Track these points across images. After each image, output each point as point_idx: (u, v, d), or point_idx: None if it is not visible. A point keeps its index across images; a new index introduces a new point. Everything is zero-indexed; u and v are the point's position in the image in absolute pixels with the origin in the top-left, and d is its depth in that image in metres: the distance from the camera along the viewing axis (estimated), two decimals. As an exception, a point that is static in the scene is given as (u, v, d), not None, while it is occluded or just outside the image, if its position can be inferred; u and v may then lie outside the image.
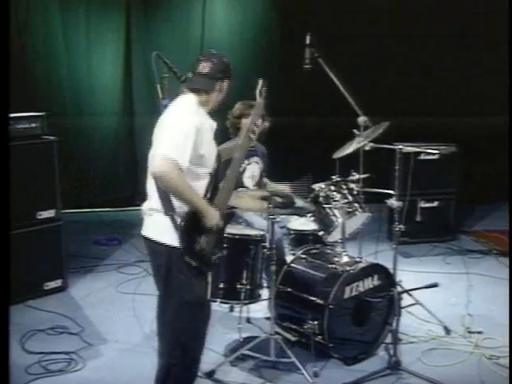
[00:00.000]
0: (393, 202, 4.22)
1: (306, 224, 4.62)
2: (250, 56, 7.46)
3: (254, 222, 4.50)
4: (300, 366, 3.84)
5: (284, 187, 4.66)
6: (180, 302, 3.16)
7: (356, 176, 4.44)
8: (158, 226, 3.14)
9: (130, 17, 7.50)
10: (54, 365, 4.00)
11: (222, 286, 3.98)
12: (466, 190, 6.83)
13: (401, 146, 4.58)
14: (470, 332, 4.45)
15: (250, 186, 4.69)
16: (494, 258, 6.14)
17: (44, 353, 4.11)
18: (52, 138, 5.11)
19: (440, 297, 4.98)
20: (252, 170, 4.75)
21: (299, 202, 4.14)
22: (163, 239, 3.12)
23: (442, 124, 7.15)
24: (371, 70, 7.45)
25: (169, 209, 3.08)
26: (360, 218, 4.48)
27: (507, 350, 4.06)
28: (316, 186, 4.43)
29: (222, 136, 3.92)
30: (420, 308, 4.65)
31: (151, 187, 3.17)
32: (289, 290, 4.19)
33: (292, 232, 4.61)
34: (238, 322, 4.26)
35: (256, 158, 4.77)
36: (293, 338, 4.22)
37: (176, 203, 3.08)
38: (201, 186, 3.15)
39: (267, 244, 3.98)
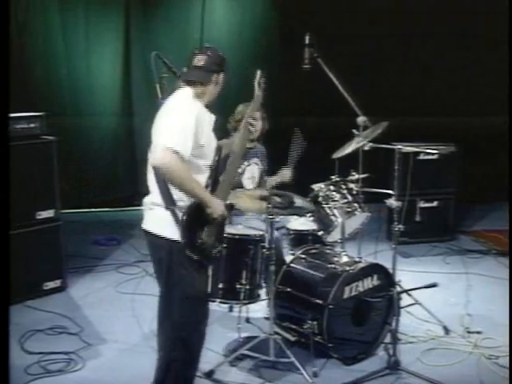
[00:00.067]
0: (392, 202, 4.22)
1: (305, 224, 4.62)
2: (249, 56, 7.45)
3: (253, 224, 4.50)
4: (299, 366, 3.84)
5: (282, 175, 4.64)
6: (181, 296, 3.17)
7: (355, 176, 4.45)
8: (159, 220, 3.15)
9: (129, 17, 7.51)
10: (54, 365, 3.99)
11: (221, 285, 3.98)
12: (466, 189, 6.83)
13: (400, 146, 4.59)
14: (469, 332, 4.46)
15: (250, 188, 4.68)
16: (493, 258, 6.15)
17: (43, 353, 4.11)
18: (51, 138, 5.11)
19: (439, 297, 4.98)
20: (252, 171, 4.74)
21: (299, 202, 4.14)
22: (164, 233, 3.13)
23: (442, 124, 7.16)
24: (371, 69, 7.45)
25: (170, 203, 3.09)
26: (359, 218, 4.48)
27: (506, 349, 4.06)
28: (315, 186, 4.43)
29: (223, 137, 3.91)
30: (419, 308, 4.65)
31: (152, 181, 3.18)
32: (288, 289, 4.19)
33: (291, 232, 4.60)
34: (237, 321, 4.26)
35: (256, 159, 4.77)
36: (292, 338, 4.21)
37: (177, 197, 3.09)
38: (201, 179, 3.16)
39: (266, 244, 3.98)
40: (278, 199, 4.00)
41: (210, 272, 3.24)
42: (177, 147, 2.97)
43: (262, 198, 4.03)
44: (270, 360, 3.95)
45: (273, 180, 4.69)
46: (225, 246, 3.82)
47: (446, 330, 4.48)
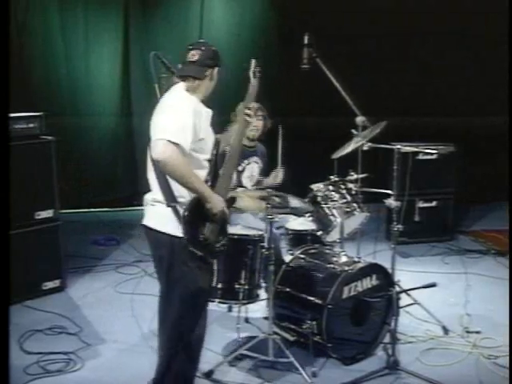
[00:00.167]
0: (391, 202, 4.22)
1: (304, 224, 4.62)
2: (248, 56, 7.35)
3: (253, 223, 4.50)
4: (298, 366, 3.84)
5: (275, 175, 4.64)
6: (182, 293, 3.17)
7: (354, 176, 4.45)
8: (161, 217, 3.15)
9: (128, 17, 7.51)
10: (53, 365, 3.99)
11: (220, 286, 3.99)
12: (465, 190, 6.84)
13: (399, 146, 4.59)
14: (468, 332, 4.46)
15: (249, 186, 4.69)
16: (493, 258, 6.15)
17: (42, 353, 4.11)
18: (50, 138, 5.11)
19: (438, 297, 4.98)
20: (251, 169, 4.75)
21: (294, 203, 4.14)
22: (166, 229, 3.13)
23: (441, 124, 7.15)
24: (371, 69, 7.45)
25: (170, 199, 3.09)
26: (358, 218, 4.48)
27: (505, 349, 4.07)
28: (314, 186, 4.43)
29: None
30: (418, 308, 4.66)
31: (152, 178, 3.18)
32: (287, 289, 4.19)
33: (290, 232, 4.60)
34: (236, 321, 4.25)
35: (256, 158, 4.78)
36: (291, 338, 4.22)
37: (178, 194, 3.09)
38: (201, 173, 3.16)
39: (265, 244, 3.98)
40: (277, 199, 4.00)
41: (215, 266, 3.23)
42: (177, 140, 2.97)
43: (262, 198, 4.03)
44: (269, 360, 3.95)
45: (266, 182, 4.70)
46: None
47: (445, 330, 4.48)
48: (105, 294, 5.24)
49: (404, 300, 4.46)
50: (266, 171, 4.83)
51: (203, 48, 3.26)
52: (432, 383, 3.79)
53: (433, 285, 4.64)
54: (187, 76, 3.22)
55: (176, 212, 3.08)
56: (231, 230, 4.01)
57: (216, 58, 3.29)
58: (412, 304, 4.63)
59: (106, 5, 7.38)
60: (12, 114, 4.80)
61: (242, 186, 4.63)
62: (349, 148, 4.45)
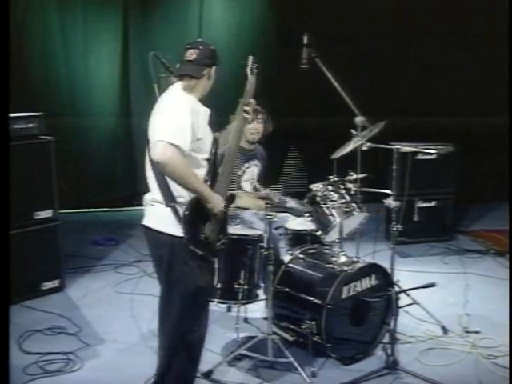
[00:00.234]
0: (390, 202, 4.22)
1: (303, 224, 4.62)
2: (247, 56, 7.43)
3: (252, 223, 4.50)
4: (298, 366, 3.84)
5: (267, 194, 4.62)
6: (182, 293, 3.17)
7: (353, 176, 4.44)
8: (161, 217, 3.15)
9: (127, 17, 7.51)
10: (52, 365, 3.99)
11: (219, 286, 3.98)
12: (464, 189, 6.83)
13: (398, 146, 4.60)
14: (467, 332, 4.46)
15: (249, 190, 4.67)
16: (492, 258, 6.15)
17: (41, 353, 4.11)
18: (49, 138, 5.10)
19: (437, 297, 4.99)
20: (251, 173, 4.73)
21: (294, 204, 4.13)
22: (166, 229, 3.13)
23: (441, 124, 7.15)
24: (371, 69, 7.44)
25: (170, 199, 3.09)
26: (358, 218, 4.48)
27: (504, 349, 4.07)
28: (314, 186, 4.43)
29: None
30: (417, 308, 4.66)
31: (151, 179, 3.18)
32: (286, 289, 4.19)
33: (290, 232, 4.60)
34: (235, 321, 4.25)
35: (256, 161, 4.77)
36: (290, 338, 4.22)
37: (177, 194, 3.09)
38: (200, 173, 3.16)
39: (265, 244, 3.98)
40: (276, 199, 4.00)
41: (216, 265, 3.23)
42: (176, 141, 2.97)
43: (261, 198, 4.03)
44: (268, 360, 3.95)
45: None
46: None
47: (445, 330, 4.48)
48: (104, 294, 5.24)
49: (403, 300, 4.46)
50: (265, 174, 4.83)
51: (201, 47, 3.25)
52: (431, 383, 3.79)
53: (432, 285, 4.64)
54: (184, 75, 3.22)
55: (175, 212, 3.08)
56: (231, 229, 4.02)
57: (214, 57, 3.29)
58: (411, 304, 4.63)
59: (105, 5, 7.38)
60: (11, 114, 4.79)
61: (241, 190, 4.62)
62: (348, 148, 4.45)
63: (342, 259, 4.24)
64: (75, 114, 7.33)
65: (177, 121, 3.03)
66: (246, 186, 4.69)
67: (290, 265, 4.31)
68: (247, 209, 4.44)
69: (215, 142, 3.27)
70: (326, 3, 7.22)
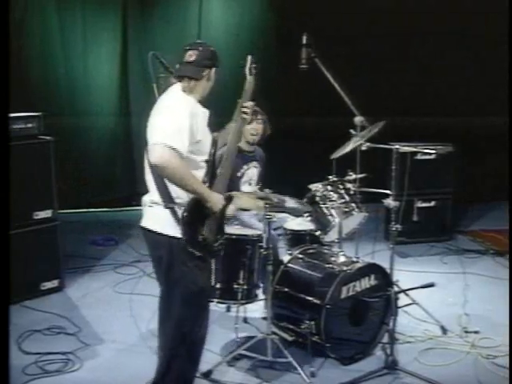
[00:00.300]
0: (390, 202, 4.22)
1: (302, 224, 4.62)
2: (246, 56, 7.43)
3: (251, 224, 4.50)
4: (297, 366, 3.84)
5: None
6: (182, 293, 3.17)
7: (353, 176, 4.45)
8: (159, 218, 3.15)
9: (126, 17, 7.50)
10: (51, 365, 3.99)
11: (218, 286, 3.99)
12: (463, 189, 6.83)
13: (397, 146, 4.60)
14: (466, 332, 4.46)
15: (247, 191, 4.66)
16: (491, 258, 6.15)
17: (41, 353, 4.11)
18: (49, 138, 5.10)
19: (437, 296, 4.99)
20: (250, 174, 4.74)
21: (293, 204, 4.13)
22: (164, 230, 3.13)
23: (441, 124, 7.15)
24: (370, 69, 7.44)
25: (168, 201, 3.09)
26: (357, 218, 4.48)
27: (504, 349, 4.07)
28: (313, 186, 4.43)
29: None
30: (417, 308, 4.66)
31: (150, 180, 3.18)
32: (286, 289, 4.19)
33: (289, 232, 4.61)
34: (234, 322, 4.25)
35: (255, 163, 4.77)
36: (290, 338, 4.21)
37: (175, 195, 3.09)
38: (199, 174, 3.16)
39: (264, 244, 3.98)
40: (275, 199, 4.00)
41: (213, 265, 3.23)
42: (174, 144, 2.96)
43: (261, 198, 4.03)
44: (267, 360, 3.95)
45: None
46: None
47: (444, 330, 4.48)
48: (103, 294, 5.23)
49: (402, 300, 4.46)
50: (264, 176, 4.82)
51: (201, 48, 3.25)
52: (430, 383, 3.79)
53: (431, 285, 4.64)
54: (184, 76, 3.22)
55: (174, 213, 3.08)
56: (229, 230, 4.02)
57: (214, 58, 3.28)
58: (410, 304, 4.63)
59: (104, 5, 7.38)
60: (10, 114, 4.79)
61: (240, 191, 4.61)
62: (347, 148, 4.45)
63: (342, 259, 4.24)
64: (74, 114, 7.33)
65: (175, 123, 3.03)
66: (245, 187, 4.69)
67: (290, 265, 4.31)
68: (246, 210, 4.43)
69: (214, 142, 3.26)
70: (325, 3, 7.22)
